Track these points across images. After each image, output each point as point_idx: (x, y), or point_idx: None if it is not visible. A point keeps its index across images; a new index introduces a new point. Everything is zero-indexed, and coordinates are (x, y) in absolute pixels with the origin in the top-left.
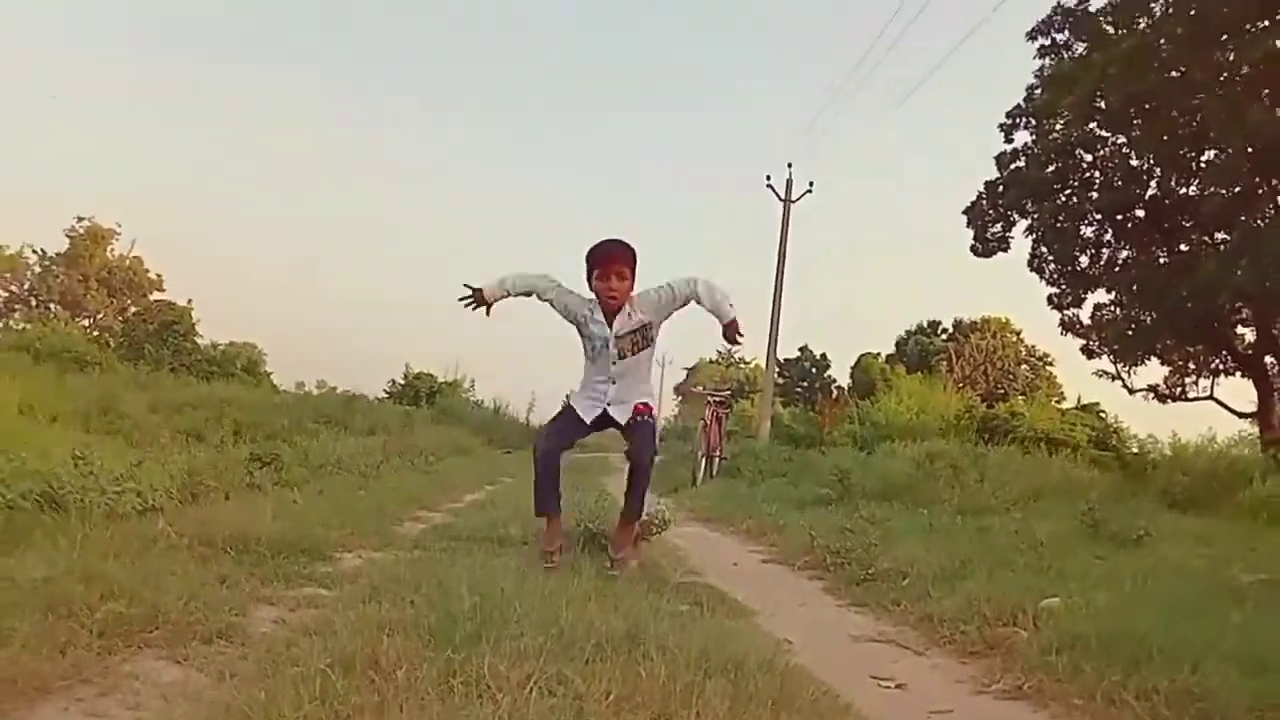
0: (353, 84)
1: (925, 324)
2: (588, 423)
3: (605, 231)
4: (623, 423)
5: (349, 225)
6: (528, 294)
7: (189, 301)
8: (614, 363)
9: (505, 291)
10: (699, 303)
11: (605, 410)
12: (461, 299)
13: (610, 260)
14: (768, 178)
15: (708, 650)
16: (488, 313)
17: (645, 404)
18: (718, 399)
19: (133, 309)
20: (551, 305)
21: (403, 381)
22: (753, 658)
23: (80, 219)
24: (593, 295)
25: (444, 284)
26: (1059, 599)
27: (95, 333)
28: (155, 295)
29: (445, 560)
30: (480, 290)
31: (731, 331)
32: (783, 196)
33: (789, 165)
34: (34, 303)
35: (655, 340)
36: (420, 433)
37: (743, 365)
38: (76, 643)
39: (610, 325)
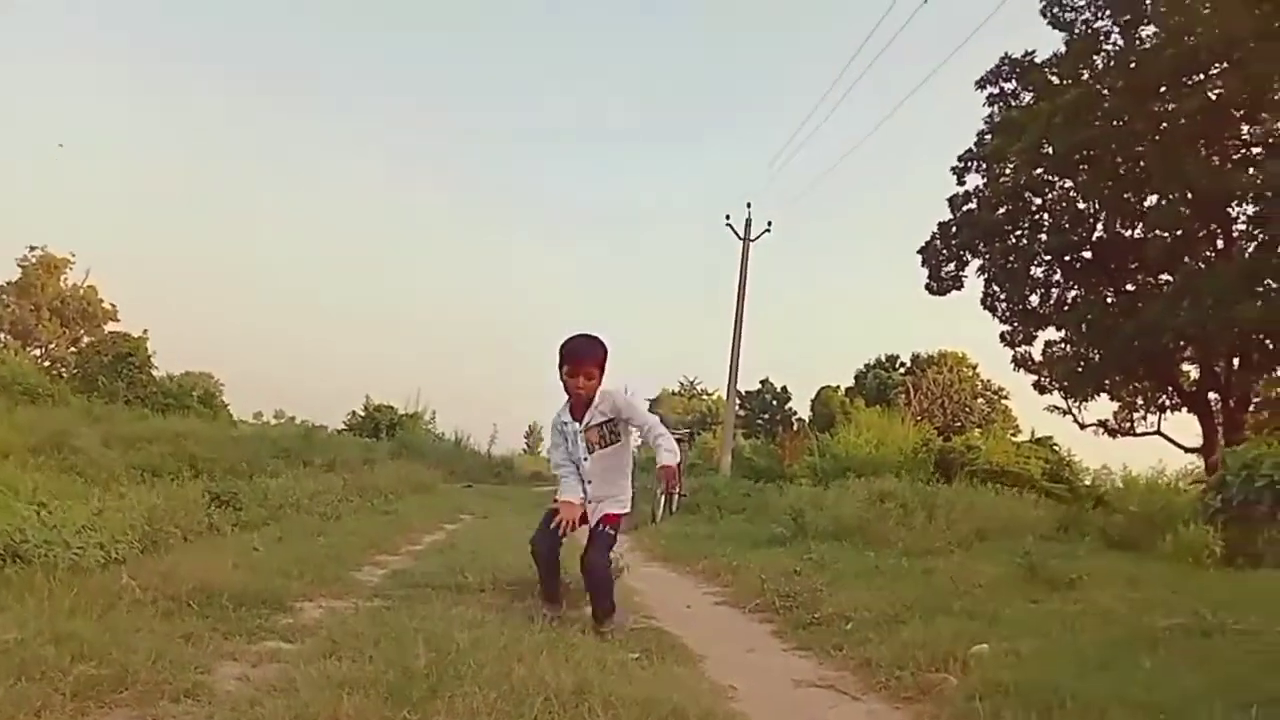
0: (309, 111)
1: (884, 358)
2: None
3: (561, 269)
4: (590, 524)
5: (311, 252)
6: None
7: (144, 332)
8: (585, 458)
9: (581, 495)
10: (647, 442)
11: (584, 509)
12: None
13: (579, 361)
14: (727, 217)
15: (652, 702)
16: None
17: (613, 515)
18: (676, 436)
19: (86, 339)
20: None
21: (363, 413)
22: (693, 711)
23: (33, 248)
24: (565, 395)
25: (406, 313)
26: (987, 646)
27: (47, 363)
28: (110, 325)
29: (404, 610)
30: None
31: (662, 479)
32: (741, 235)
33: (748, 205)
34: None
35: (625, 438)
36: (380, 470)
37: (705, 397)
38: (50, 705)
39: (580, 419)
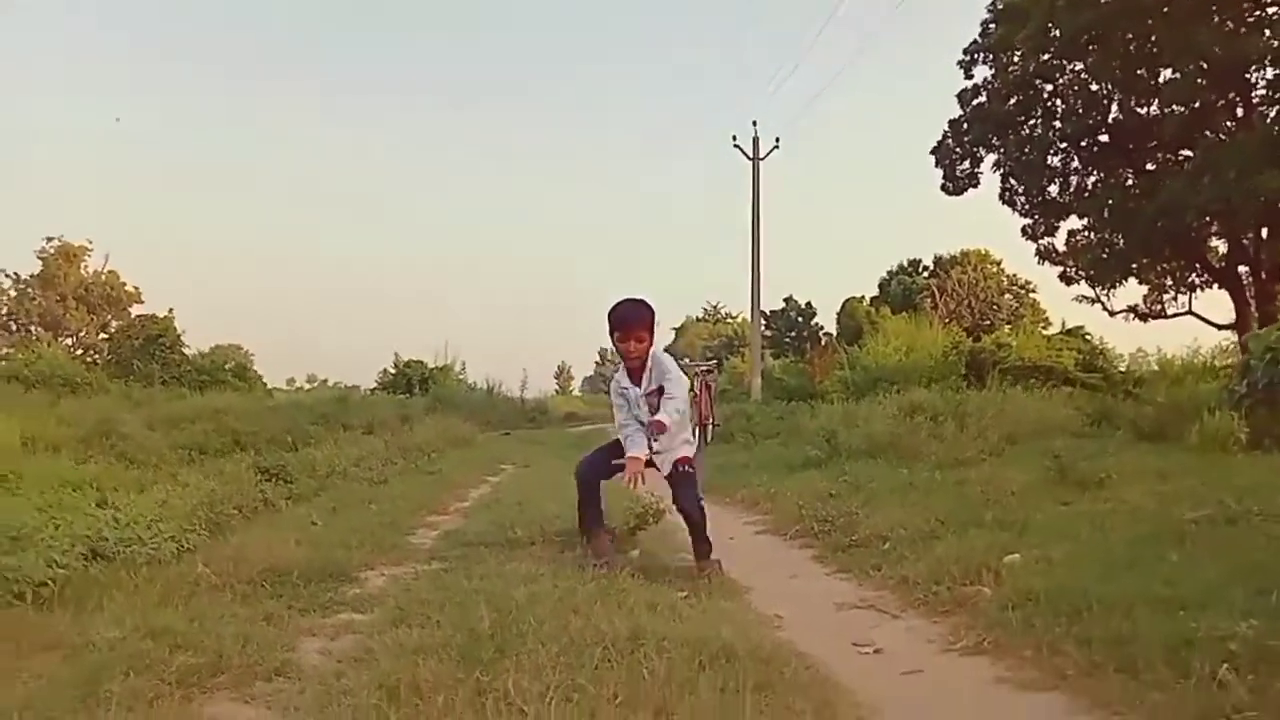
0: (320, 80)
1: (907, 263)
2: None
3: (580, 211)
4: (665, 473)
5: (325, 214)
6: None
7: (170, 311)
8: (647, 418)
9: (647, 451)
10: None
11: (651, 458)
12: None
13: (629, 326)
14: (734, 137)
15: (703, 640)
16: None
17: (685, 456)
18: (704, 369)
19: (114, 324)
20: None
21: (394, 371)
22: (741, 644)
23: (49, 239)
24: (617, 358)
25: (429, 268)
26: (1019, 555)
27: (79, 351)
28: (135, 309)
29: (461, 571)
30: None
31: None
32: (750, 155)
33: (754, 123)
34: (14, 327)
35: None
36: (418, 427)
37: (730, 320)
38: (161, 695)
39: (639, 384)
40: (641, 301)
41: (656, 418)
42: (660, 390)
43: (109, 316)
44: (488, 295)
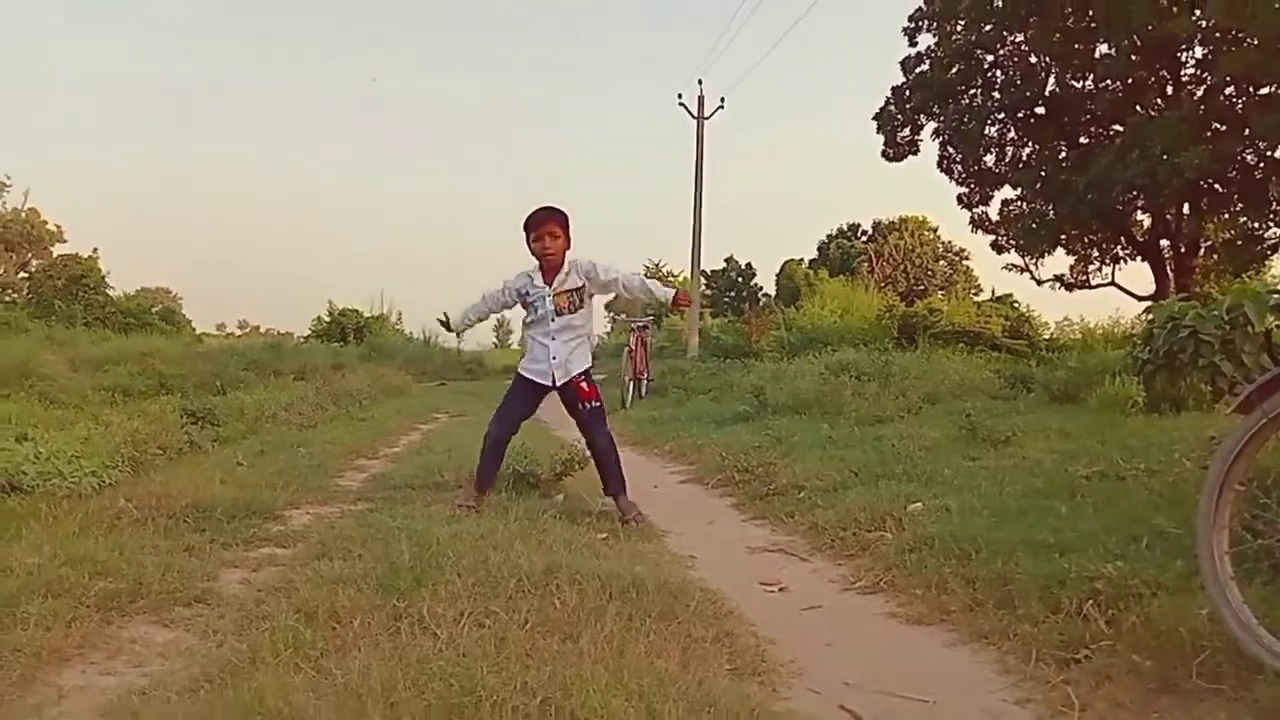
0: (256, 17)
1: (846, 227)
2: (543, 384)
3: (521, 165)
4: (563, 382)
5: (257, 161)
6: (486, 316)
7: (94, 252)
8: (552, 319)
9: (467, 322)
10: (635, 294)
11: (552, 374)
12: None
13: (541, 224)
14: (679, 96)
15: (615, 575)
16: (458, 337)
17: (588, 387)
18: (641, 325)
19: (35, 263)
20: (507, 306)
21: (328, 319)
22: (650, 579)
23: None
24: (534, 261)
25: (364, 217)
26: (921, 504)
27: None
28: (57, 248)
29: (386, 512)
30: (447, 319)
31: (681, 303)
32: (695, 114)
33: (699, 83)
34: None
35: (589, 307)
36: (351, 375)
37: (671, 278)
38: (79, 618)
39: (550, 284)
40: (554, 206)
41: (666, 296)
42: (578, 290)
43: (29, 255)
44: (426, 246)
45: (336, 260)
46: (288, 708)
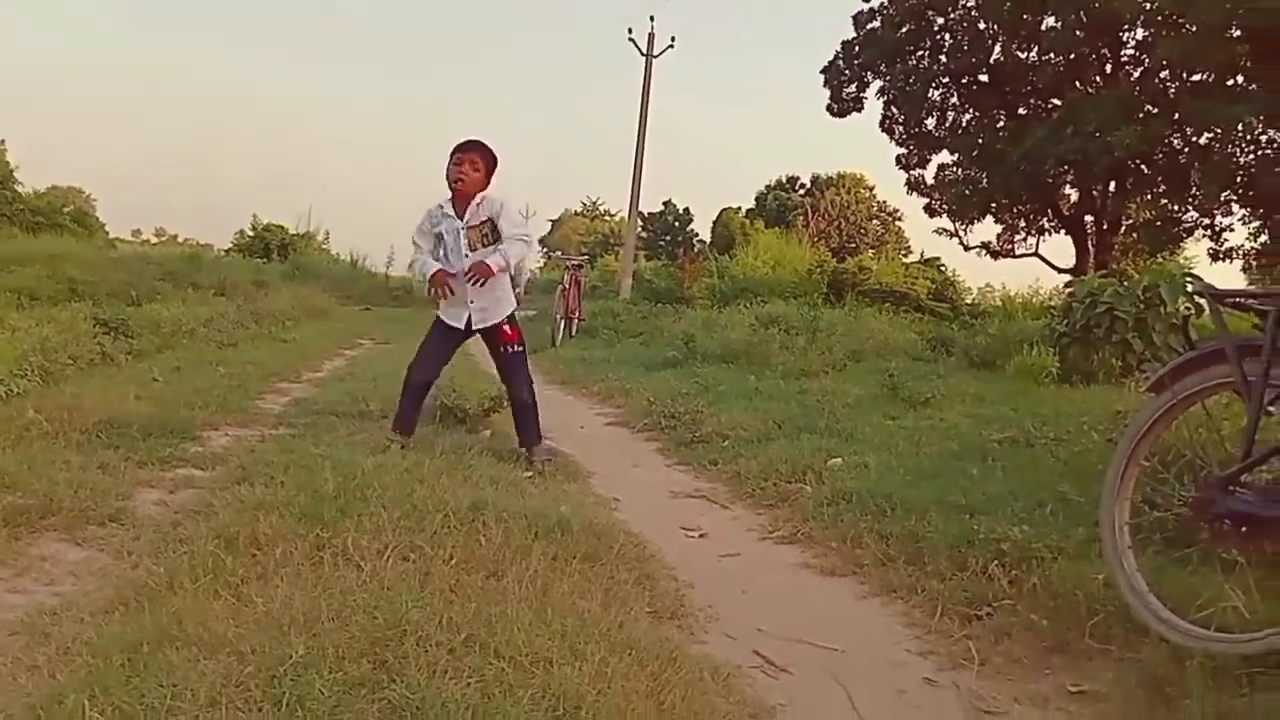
0: None
1: (785, 179)
2: (458, 328)
3: (461, 94)
4: (486, 327)
5: (185, 64)
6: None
7: (1, 143)
8: (466, 255)
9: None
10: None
11: (468, 317)
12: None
13: (463, 150)
14: (629, 30)
15: (540, 514)
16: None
17: (511, 330)
18: (575, 263)
19: None
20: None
21: (251, 233)
22: (576, 521)
23: None
24: (446, 197)
25: (293, 127)
26: (841, 460)
27: None
28: None
29: (309, 438)
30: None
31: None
32: (644, 51)
33: (651, 18)
34: None
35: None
36: (273, 294)
37: (608, 218)
38: None
39: (461, 217)
40: (482, 140)
41: (481, 260)
42: (489, 225)
43: None
44: (356, 168)
45: (262, 173)
46: (206, 634)
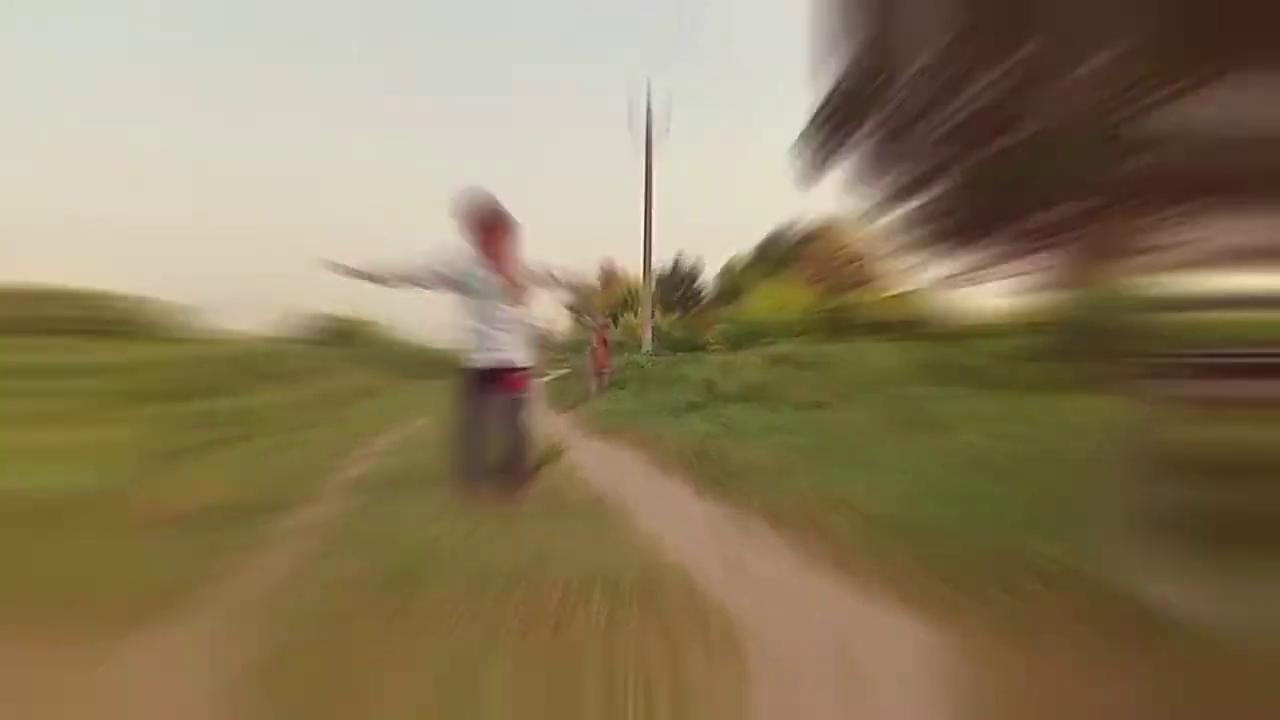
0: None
1: (782, 227)
2: (490, 370)
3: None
4: (500, 367)
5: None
6: (424, 285)
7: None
8: (499, 309)
9: (410, 281)
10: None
11: (498, 361)
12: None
13: (490, 229)
14: (628, 101)
15: (594, 564)
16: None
17: (522, 380)
18: (601, 324)
19: None
20: (439, 286)
21: (315, 321)
22: (629, 567)
23: None
24: (469, 250)
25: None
26: (869, 486)
27: None
28: None
29: (374, 512)
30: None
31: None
32: (646, 123)
33: (647, 82)
34: None
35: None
36: (337, 376)
37: (624, 274)
38: (89, 629)
39: (490, 270)
40: (489, 194)
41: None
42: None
43: None
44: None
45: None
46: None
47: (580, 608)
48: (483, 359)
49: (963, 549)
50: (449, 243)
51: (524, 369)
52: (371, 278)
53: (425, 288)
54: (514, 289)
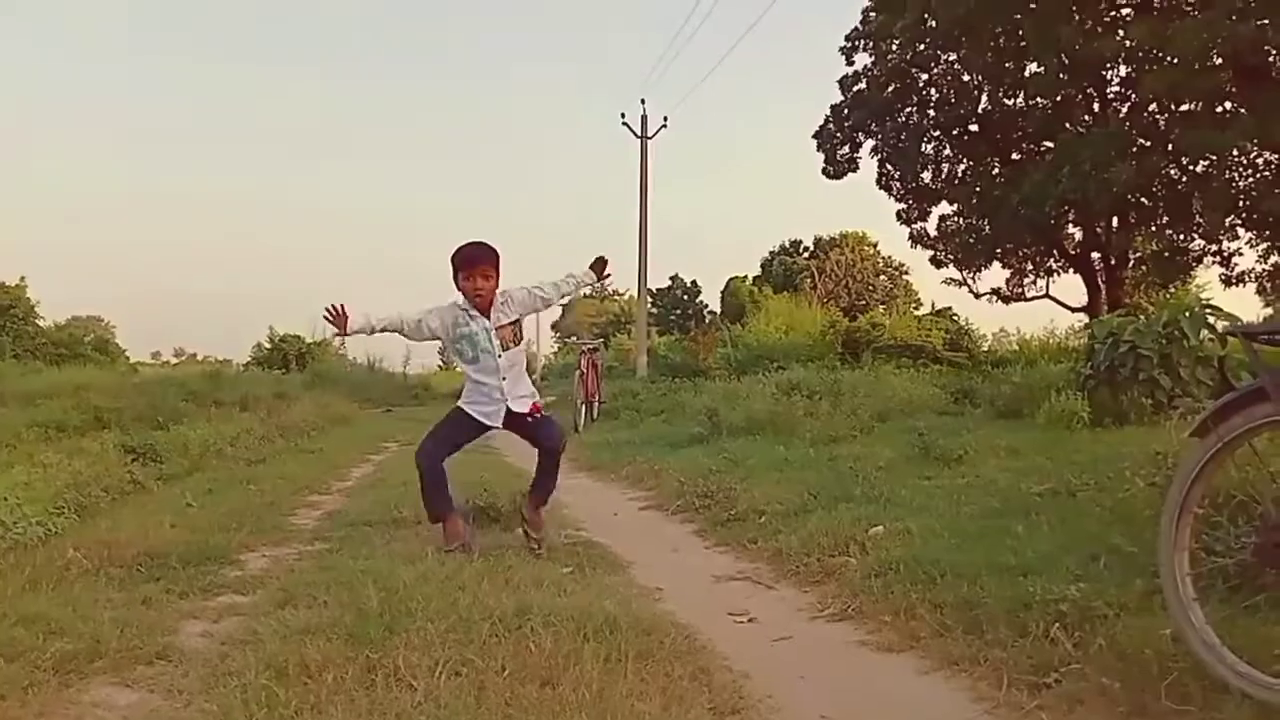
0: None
1: (788, 243)
2: (494, 426)
3: (465, 189)
4: (522, 412)
5: (191, 183)
6: (391, 331)
7: (21, 280)
8: (499, 355)
9: (370, 327)
10: (567, 293)
11: (506, 408)
12: (325, 315)
13: (474, 262)
14: (622, 115)
15: (587, 614)
16: (344, 334)
17: (538, 403)
18: (591, 347)
19: None
20: (413, 335)
21: (269, 345)
22: (623, 617)
23: None
24: (462, 298)
25: (299, 240)
26: (882, 527)
27: None
28: None
29: (346, 552)
30: (344, 316)
31: (598, 268)
32: (639, 133)
33: (642, 102)
34: None
35: (523, 336)
36: (295, 405)
37: (617, 297)
38: (36, 682)
39: (488, 318)
40: (484, 243)
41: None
42: (517, 324)
43: None
44: (369, 268)
45: (274, 285)
46: None
47: (571, 662)
48: (488, 411)
49: (979, 592)
50: (442, 295)
51: (533, 401)
52: (362, 330)
53: (414, 340)
54: (506, 331)
